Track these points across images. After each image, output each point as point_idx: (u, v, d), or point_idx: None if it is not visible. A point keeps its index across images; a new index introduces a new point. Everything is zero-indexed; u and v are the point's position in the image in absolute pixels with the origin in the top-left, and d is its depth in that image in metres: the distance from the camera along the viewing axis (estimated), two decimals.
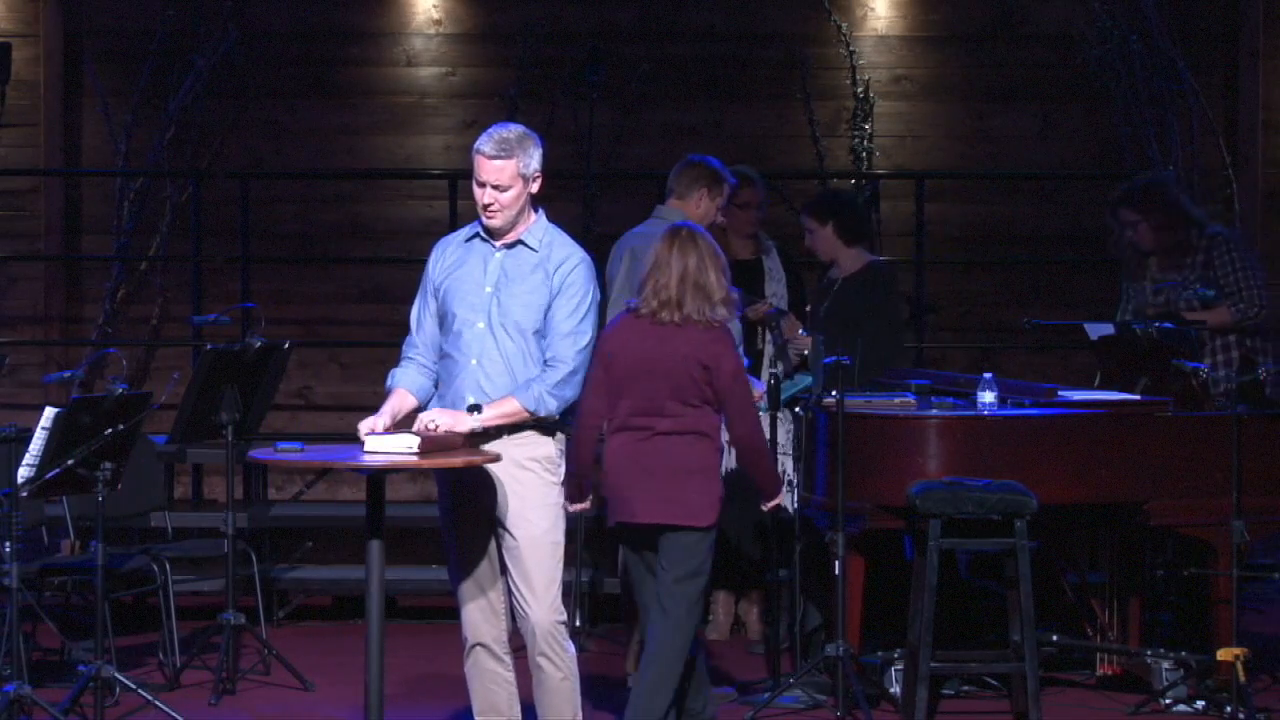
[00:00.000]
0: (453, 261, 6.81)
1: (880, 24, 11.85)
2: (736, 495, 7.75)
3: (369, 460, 6.39)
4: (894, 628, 8.32)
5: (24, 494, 7.61)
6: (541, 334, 6.70)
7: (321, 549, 10.67)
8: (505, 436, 6.67)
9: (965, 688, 8.42)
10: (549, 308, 6.69)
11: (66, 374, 9.19)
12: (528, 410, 6.62)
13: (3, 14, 11.73)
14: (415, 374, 6.82)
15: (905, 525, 7.99)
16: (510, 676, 6.88)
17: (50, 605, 9.27)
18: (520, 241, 6.75)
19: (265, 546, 10.31)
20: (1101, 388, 8.85)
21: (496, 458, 6.55)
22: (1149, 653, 8.32)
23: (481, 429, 6.61)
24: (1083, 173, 11.76)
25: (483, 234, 6.78)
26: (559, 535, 6.74)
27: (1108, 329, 8.96)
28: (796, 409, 8.42)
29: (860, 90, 11.78)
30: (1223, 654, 7.95)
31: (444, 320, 6.77)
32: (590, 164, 10.87)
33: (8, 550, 7.59)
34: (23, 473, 7.58)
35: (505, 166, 6.66)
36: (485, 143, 6.70)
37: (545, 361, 6.70)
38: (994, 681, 8.38)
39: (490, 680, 6.85)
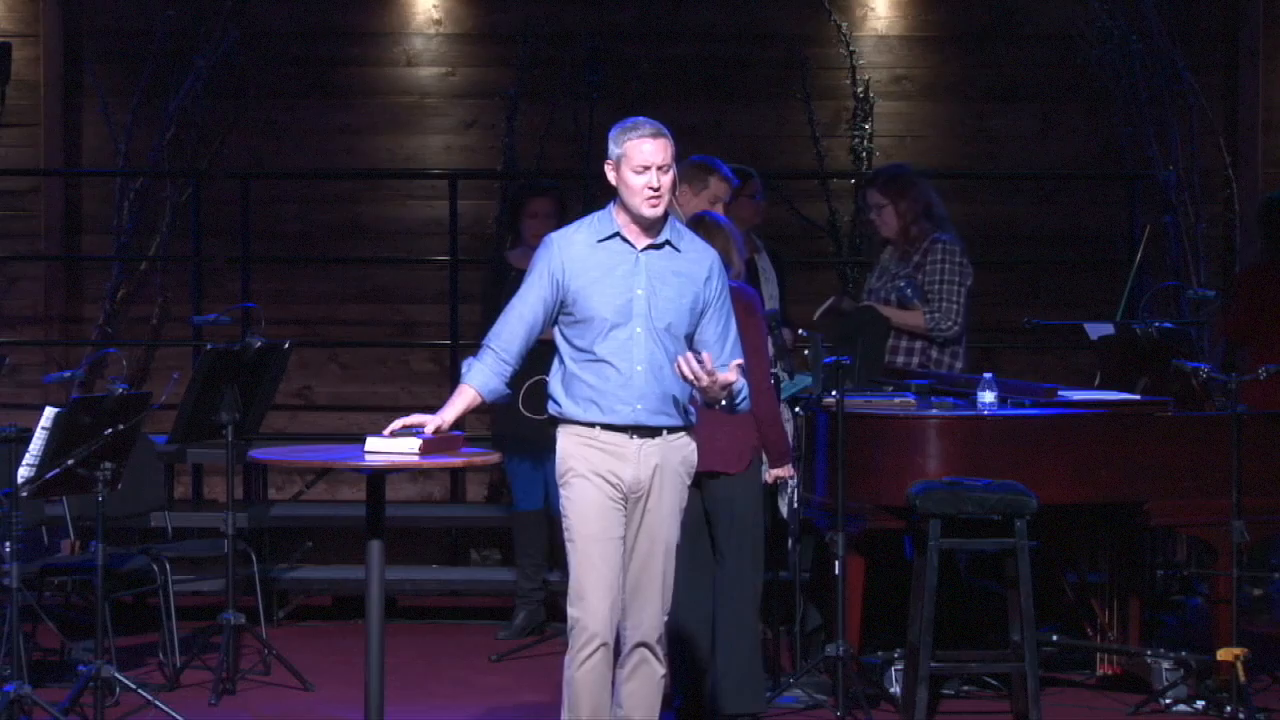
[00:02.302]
0: (588, 262, 6.51)
1: (880, 24, 11.84)
2: None
3: (369, 460, 6.39)
4: (894, 628, 8.32)
5: (24, 494, 7.60)
6: (690, 336, 6.55)
7: (321, 549, 10.67)
8: (666, 435, 6.55)
9: (965, 688, 8.42)
10: (701, 312, 6.55)
11: (66, 374, 9.17)
12: None
13: (3, 14, 11.72)
14: (490, 371, 6.52)
15: (905, 525, 7.99)
16: None
17: (50, 605, 9.27)
18: (667, 242, 6.54)
19: (265, 546, 10.30)
20: (1101, 388, 8.85)
21: (497, 459, 6.54)
22: (1149, 653, 8.33)
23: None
24: (1083, 173, 11.76)
25: (623, 234, 6.51)
26: None
27: (1108, 329, 8.96)
28: (796, 409, 8.43)
29: (860, 90, 11.78)
30: (1223, 654, 7.95)
31: (588, 324, 6.49)
32: (590, 164, 10.85)
33: (8, 550, 7.58)
34: (23, 473, 7.58)
35: (667, 146, 6.45)
36: (639, 127, 6.47)
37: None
38: (994, 681, 8.38)
39: (605, 687, 6.50)
